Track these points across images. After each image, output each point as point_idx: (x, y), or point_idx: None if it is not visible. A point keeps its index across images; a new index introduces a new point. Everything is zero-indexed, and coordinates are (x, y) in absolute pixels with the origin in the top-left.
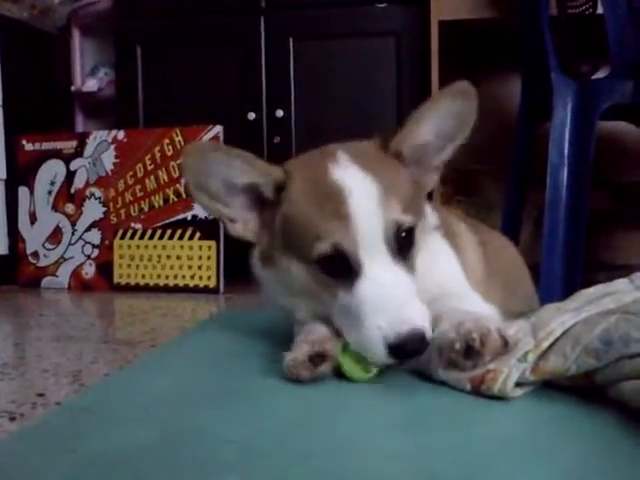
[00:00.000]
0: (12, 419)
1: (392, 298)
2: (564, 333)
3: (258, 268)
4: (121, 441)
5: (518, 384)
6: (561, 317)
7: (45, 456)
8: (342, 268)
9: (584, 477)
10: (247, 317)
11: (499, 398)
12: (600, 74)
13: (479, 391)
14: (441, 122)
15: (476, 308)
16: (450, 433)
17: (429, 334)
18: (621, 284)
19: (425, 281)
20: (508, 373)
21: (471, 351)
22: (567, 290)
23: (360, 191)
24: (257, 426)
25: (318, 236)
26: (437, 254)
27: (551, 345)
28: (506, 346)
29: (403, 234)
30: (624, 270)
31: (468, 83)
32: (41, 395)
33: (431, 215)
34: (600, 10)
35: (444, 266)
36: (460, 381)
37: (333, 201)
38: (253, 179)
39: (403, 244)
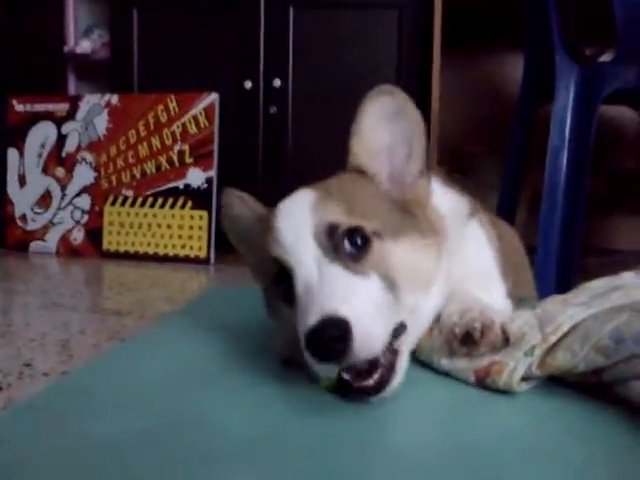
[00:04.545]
0: None
1: (316, 293)
2: (572, 328)
3: None
4: (112, 426)
5: (523, 378)
6: (569, 311)
7: (32, 440)
8: (286, 286)
9: (589, 472)
10: (241, 293)
11: (503, 392)
12: (603, 59)
13: (484, 384)
14: (384, 123)
15: (492, 298)
16: (453, 427)
17: (358, 327)
18: (628, 277)
19: (458, 265)
20: (514, 366)
21: (468, 339)
22: (562, 273)
23: (290, 201)
24: (256, 414)
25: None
26: (474, 241)
27: (559, 340)
28: (506, 343)
29: (346, 235)
30: (617, 255)
31: (390, 85)
32: (28, 365)
33: (461, 205)
34: None
35: (480, 252)
36: (464, 372)
37: (271, 220)
38: None
39: (346, 245)
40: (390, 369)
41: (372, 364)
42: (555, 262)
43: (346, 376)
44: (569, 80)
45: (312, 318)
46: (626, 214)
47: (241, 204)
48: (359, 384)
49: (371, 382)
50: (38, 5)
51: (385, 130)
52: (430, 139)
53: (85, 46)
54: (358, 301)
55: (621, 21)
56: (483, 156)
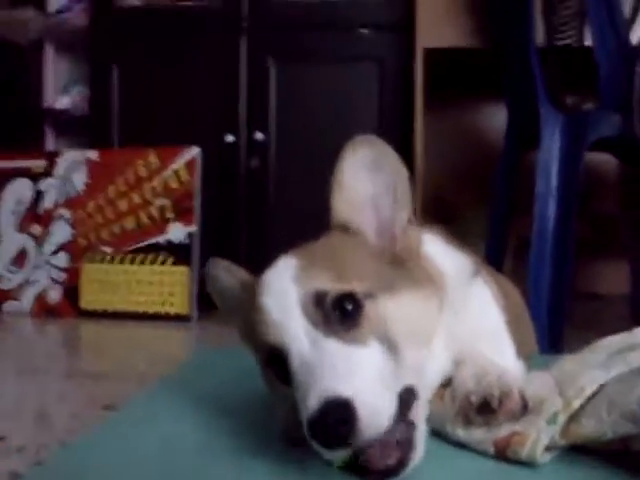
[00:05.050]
0: None
1: (313, 373)
2: (596, 392)
3: None
4: None
5: (546, 448)
6: (590, 373)
7: None
8: (283, 368)
9: None
10: (227, 356)
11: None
12: (585, 107)
13: (504, 455)
14: (364, 173)
15: (505, 361)
16: None
17: (362, 404)
18: None
19: (463, 326)
20: (537, 437)
21: (486, 407)
22: (553, 319)
23: (273, 273)
24: None
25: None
26: (480, 300)
27: (582, 405)
28: (525, 410)
29: (335, 302)
30: (603, 300)
31: (367, 135)
32: (1, 439)
33: (464, 263)
34: (587, 42)
35: (487, 312)
36: (482, 443)
37: (256, 297)
38: None
39: (337, 313)
40: (409, 444)
41: (387, 441)
42: (546, 308)
43: (362, 458)
44: (554, 129)
45: (312, 402)
46: (609, 259)
47: (227, 275)
48: (379, 466)
49: (392, 462)
50: (16, 60)
51: (367, 181)
52: (413, 189)
53: (65, 102)
54: (359, 376)
55: (605, 74)
56: (467, 205)
